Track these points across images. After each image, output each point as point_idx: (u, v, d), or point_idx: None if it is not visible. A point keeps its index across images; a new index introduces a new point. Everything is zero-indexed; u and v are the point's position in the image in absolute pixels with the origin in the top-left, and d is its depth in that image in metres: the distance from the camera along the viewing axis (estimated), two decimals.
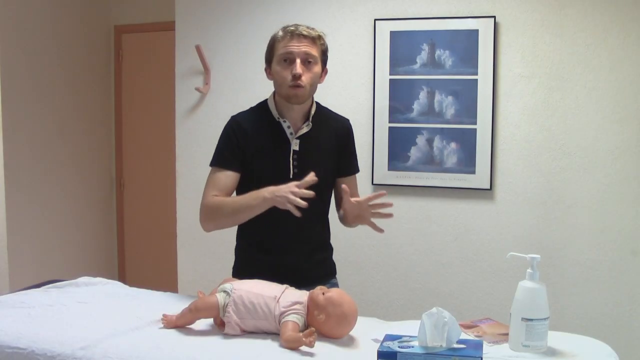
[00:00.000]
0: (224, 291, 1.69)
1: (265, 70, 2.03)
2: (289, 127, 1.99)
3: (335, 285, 2.14)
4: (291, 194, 1.77)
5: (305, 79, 1.91)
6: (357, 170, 2.17)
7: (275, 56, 1.96)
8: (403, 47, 3.04)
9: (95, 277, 2.21)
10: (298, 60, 1.90)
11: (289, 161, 1.97)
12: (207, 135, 3.39)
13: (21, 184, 3.62)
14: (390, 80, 3.08)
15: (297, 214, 1.77)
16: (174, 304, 1.82)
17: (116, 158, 4.44)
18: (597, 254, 2.88)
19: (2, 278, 3.45)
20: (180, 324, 1.69)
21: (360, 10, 3.13)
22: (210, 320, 1.73)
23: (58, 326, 1.70)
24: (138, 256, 4.45)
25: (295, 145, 1.98)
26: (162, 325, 1.70)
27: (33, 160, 3.74)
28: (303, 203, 1.76)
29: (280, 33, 1.95)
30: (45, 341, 1.58)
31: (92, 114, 4.25)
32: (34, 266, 3.67)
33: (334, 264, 2.19)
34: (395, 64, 3.06)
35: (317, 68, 1.96)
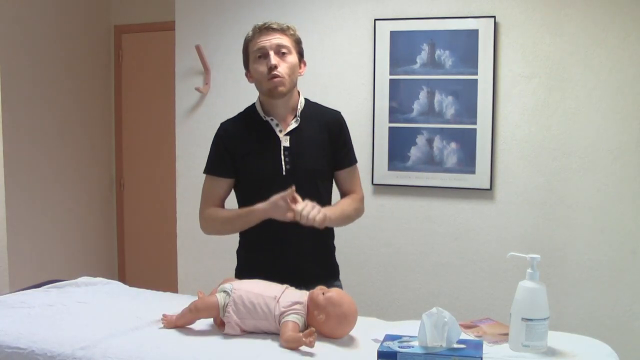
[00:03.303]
0: (224, 291, 1.69)
1: (246, 75, 2.06)
2: (277, 124, 2.00)
3: (339, 287, 2.09)
4: (282, 202, 1.84)
5: (282, 69, 1.93)
6: (354, 161, 2.14)
7: (250, 56, 2.00)
8: (403, 47, 3.04)
9: (95, 277, 2.22)
10: (271, 52, 1.93)
11: (281, 158, 1.97)
12: (207, 135, 3.35)
13: (21, 184, 3.62)
14: (390, 80, 3.08)
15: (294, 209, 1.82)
16: (174, 304, 1.82)
17: (116, 158, 4.44)
18: (597, 254, 2.88)
19: (2, 278, 3.45)
20: (180, 324, 1.69)
21: (360, 10, 3.12)
22: (210, 320, 1.73)
23: (58, 326, 1.70)
24: (138, 256, 4.45)
25: (285, 142, 1.98)
26: (162, 325, 1.70)
27: (33, 160, 3.74)
28: (295, 201, 1.83)
29: (250, 33, 1.99)
30: (45, 341, 1.59)
31: (92, 114, 4.25)
32: (34, 266, 3.67)
33: (337, 265, 2.18)
34: (395, 64, 3.06)
35: (293, 58, 1.97)
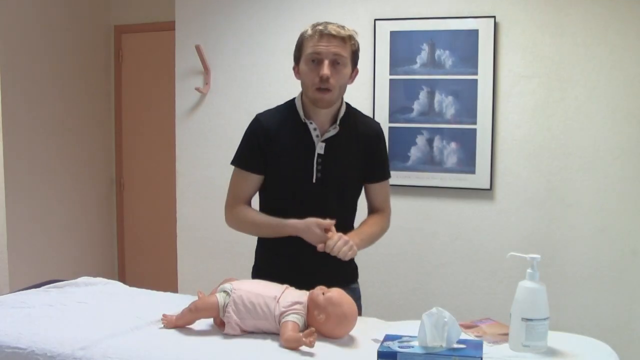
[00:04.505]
0: (224, 291, 1.68)
1: (294, 69, 1.95)
2: (315, 129, 1.92)
3: (357, 290, 2.07)
4: (318, 230, 1.82)
5: (333, 81, 1.84)
6: (387, 176, 2.09)
7: (303, 55, 1.88)
8: (403, 47, 3.04)
9: (95, 277, 2.21)
10: (326, 62, 1.83)
11: (313, 165, 1.91)
12: (207, 135, 3.39)
13: (21, 184, 3.62)
14: (390, 80, 3.08)
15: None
16: (174, 304, 1.82)
17: (116, 158, 4.44)
18: (597, 254, 2.88)
19: (2, 278, 3.45)
20: (180, 324, 1.69)
21: (360, 10, 3.12)
22: (210, 320, 1.73)
23: (58, 326, 1.69)
24: (138, 256, 4.44)
25: (320, 149, 1.91)
26: (162, 325, 1.70)
27: (33, 160, 3.74)
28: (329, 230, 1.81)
29: (309, 32, 1.87)
30: (45, 341, 1.58)
31: (92, 114, 4.25)
32: (34, 266, 3.67)
33: (356, 267, 2.13)
34: (395, 64, 3.06)
35: (347, 70, 1.89)
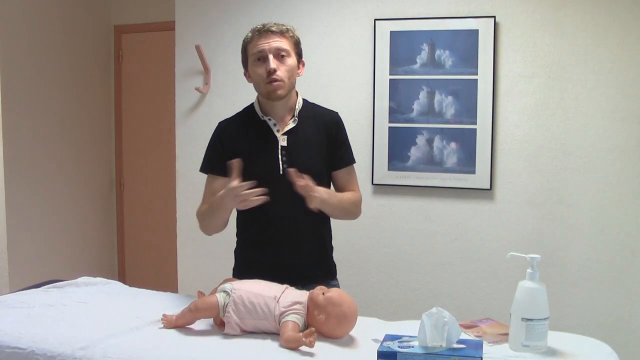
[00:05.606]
0: (224, 291, 1.69)
1: (245, 74, 2.06)
2: (274, 124, 2.01)
3: (336, 287, 2.11)
4: (235, 191, 1.80)
5: (280, 72, 1.94)
6: (352, 161, 2.15)
7: (249, 58, 2.00)
8: (403, 47, 3.04)
9: (95, 277, 2.22)
10: (270, 56, 1.93)
11: (278, 157, 1.98)
12: (207, 135, 3.36)
13: (21, 184, 3.62)
14: (390, 80, 3.08)
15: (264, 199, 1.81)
16: (174, 304, 1.83)
17: (116, 158, 4.44)
18: (597, 254, 2.88)
19: (2, 278, 3.45)
20: (180, 324, 1.69)
21: (360, 10, 3.12)
22: (210, 320, 1.73)
23: (58, 326, 1.70)
24: (138, 256, 4.45)
25: (282, 141, 1.99)
26: (162, 325, 1.70)
27: (33, 160, 3.74)
28: (255, 198, 1.80)
29: (250, 34, 2.00)
30: (45, 341, 1.59)
31: (92, 114, 4.25)
32: (34, 266, 3.67)
33: (335, 265, 2.18)
34: (395, 64, 3.06)
35: (292, 60, 1.98)
